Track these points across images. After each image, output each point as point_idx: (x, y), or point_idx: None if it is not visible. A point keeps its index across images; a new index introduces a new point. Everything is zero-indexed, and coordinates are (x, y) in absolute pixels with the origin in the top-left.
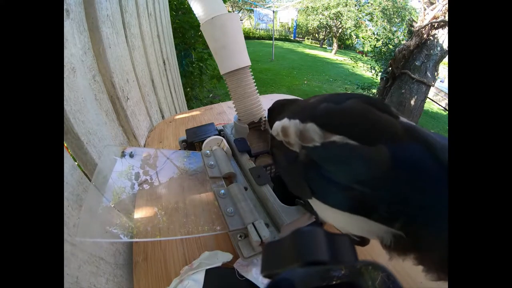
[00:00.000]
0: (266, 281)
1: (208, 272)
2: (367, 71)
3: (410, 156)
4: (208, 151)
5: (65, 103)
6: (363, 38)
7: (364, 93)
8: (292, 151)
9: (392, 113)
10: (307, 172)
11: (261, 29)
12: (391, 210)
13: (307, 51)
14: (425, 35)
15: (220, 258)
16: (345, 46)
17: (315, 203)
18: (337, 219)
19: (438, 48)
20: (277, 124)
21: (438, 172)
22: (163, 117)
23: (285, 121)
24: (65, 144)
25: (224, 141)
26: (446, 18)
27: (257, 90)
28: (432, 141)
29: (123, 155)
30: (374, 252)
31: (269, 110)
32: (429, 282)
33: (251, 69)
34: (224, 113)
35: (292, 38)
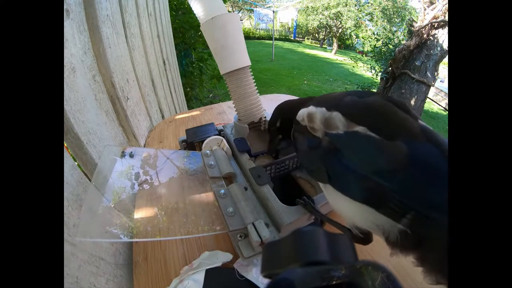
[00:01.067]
0: (266, 281)
1: (208, 272)
2: (367, 71)
3: (426, 155)
4: (208, 151)
5: (65, 103)
6: (363, 38)
7: None
8: (316, 136)
9: (412, 114)
10: (328, 157)
11: (261, 29)
12: (401, 204)
13: (307, 51)
14: (425, 35)
15: (220, 258)
16: (345, 46)
17: (328, 190)
18: (347, 208)
19: (438, 48)
20: (303, 111)
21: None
22: (163, 117)
23: (311, 108)
24: (65, 144)
25: (224, 141)
26: (446, 18)
27: (257, 90)
28: (443, 142)
29: (123, 155)
30: (374, 252)
31: (279, 108)
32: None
33: (251, 69)
34: (224, 113)
35: (292, 38)
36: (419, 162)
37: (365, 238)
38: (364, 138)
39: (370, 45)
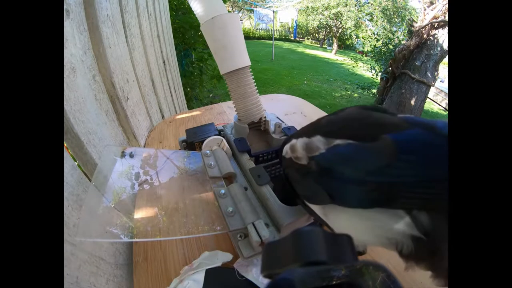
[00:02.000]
0: (266, 281)
1: (208, 272)
2: (367, 71)
3: (413, 138)
4: (208, 151)
5: (65, 103)
6: (363, 38)
7: (364, 93)
8: (301, 164)
9: (389, 112)
10: (320, 178)
11: (261, 29)
12: (410, 192)
13: (307, 51)
14: (425, 35)
15: (220, 258)
16: (345, 46)
17: (331, 213)
18: (356, 228)
19: (438, 48)
20: (287, 146)
21: (442, 143)
22: (163, 117)
23: (292, 141)
24: (65, 144)
25: (224, 141)
26: (446, 18)
27: (257, 90)
28: (431, 123)
29: (123, 155)
30: (375, 252)
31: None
32: (429, 282)
33: (251, 69)
34: (224, 113)
35: (292, 38)
36: (409, 145)
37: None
38: (346, 147)
39: (370, 45)
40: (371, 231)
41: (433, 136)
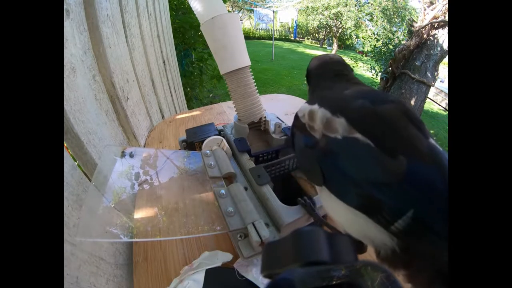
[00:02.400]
0: (266, 281)
1: (208, 272)
2: (367, 71)
3: (426, 176)
4: (208, 151)
5: (65, 103)
6: (363, 38)
7: None
8: (313, 136)
9: (424, 131)
10: (324, 159)
11: (261, 29)
12: (393, 217)
13: (307, 51)
14: (425, 35)
15: (220, 258)
16: (345, 46)
17: (323, 193)
18: (340, 214)
19: (438, 48)
20: (305, 107)
21: (444, 193)
22: (163, 117)
23: (314, 107)
24: (65, 144)
25: (224, 141)
26: (446, 18)
27: (257, 90)
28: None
29: (123, 155)
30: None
31: (313, 69)
32: None
33: (251, 69)
34: (224, 113)
35: (292, 38)
36: (417, 181)
37: (360, 246)
38: (363, 146)
39: (370, 45)
40: (353, 223)
41: (441, 183)
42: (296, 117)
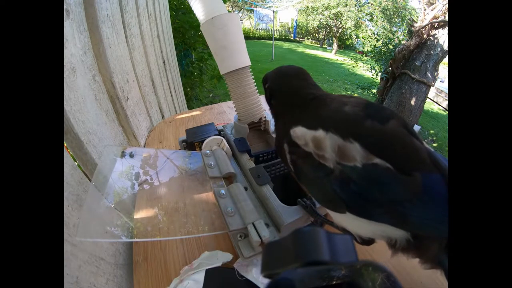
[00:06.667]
0: (266, 281)
1: (208, 272)
2: (367, 71)
3: (436, 186)
4: (208, 151)
5: (65, 103)
6: (363, 38)
7: (364, 93)
8: (325, 165)
9: (418, 137)
10: (345, 189)
11: (261, 29)
12: (417, 224)
13: (307, 51)
14: (425, 35)
15: (220, 258)
16: (345, 46)
17: (344, 216)
18: (354, 224)
19: (438, 48)
20: (304, 132)
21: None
22: (163, 117)
23: (319, 133)
24: (65, 144)
25: (224, 141)
26: (446, 18)
27: (257, 90)
28: (444, 166)
29: (123, 155)
30: (375, 252)
31: (269, 81)
32: (429, 282)
33: (251, 69)
34: (224, 113)
35: (292, 38)
36: (432, 192)
37: (369, 240)
38: (383, 171)
39: (370, 45)
40: (371, 231)
41: (443, 181)
42: (294, 144)
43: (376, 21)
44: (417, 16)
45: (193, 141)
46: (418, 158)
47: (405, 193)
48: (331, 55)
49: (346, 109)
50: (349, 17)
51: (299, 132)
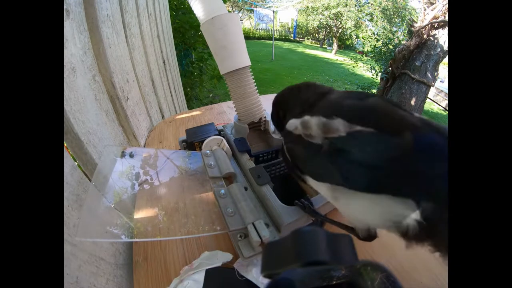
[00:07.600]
0: (266, 281)
1: (208, 272)
2: (367, 71)
3: (432, 142)
4: (208, 151)
5: (65, 103)
6: (363, 38)
7: None
8: (313, 142)
9: (407, 111)
10: (336, 160)
11: (261, 29)
12: (416, 188)
13: (307, 51)
14: (425, 35)
15: (220, 258)
16: (345, 46)
17: (342, 196)
18: (362, 210)
19: (438, 48)
20: (293, 122)
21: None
22: (163, 117)
23: (305, 118)
24: (65, 144)
25: (224, 141)
26: (446, 18)
27: (257, 90)
28: (441, 127)
29: (123, 155)
30: (375, 252)
31: (279, 101)
32: (429, 282)
33: (251, 69)
34: (224, 113)
35: (292, 38)
36: (424, 145)
37: (371, 235)
38: (369, 134)
39: (370, 45)
40: (379, 215)
41: (442, 139)
42: (287, 133)
43: (376, 21)
44: (417, 16)
45: (193, 141)
46: (405, 122)
47: (398, 149)
48: (331, 55)
49: (331, 97)
50: (349, 17)
51: (290, 124)
